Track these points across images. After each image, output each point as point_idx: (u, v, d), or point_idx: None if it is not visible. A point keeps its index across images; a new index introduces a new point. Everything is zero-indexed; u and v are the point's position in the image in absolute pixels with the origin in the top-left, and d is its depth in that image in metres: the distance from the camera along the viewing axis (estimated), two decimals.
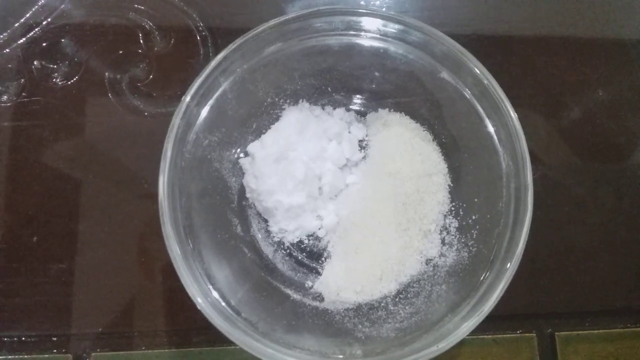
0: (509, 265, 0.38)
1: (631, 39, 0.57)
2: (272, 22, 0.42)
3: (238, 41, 0.42)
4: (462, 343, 0.47)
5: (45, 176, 0.50)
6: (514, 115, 0.40)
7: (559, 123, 0.54)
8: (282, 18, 0.42)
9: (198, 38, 0.53)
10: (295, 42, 0.44)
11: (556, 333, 0.49)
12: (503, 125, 0.41)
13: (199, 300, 0.38)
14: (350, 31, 0.44)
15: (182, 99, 0.40)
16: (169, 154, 0.39)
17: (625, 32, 0.58)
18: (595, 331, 0.49)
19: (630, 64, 0.57)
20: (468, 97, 0.43)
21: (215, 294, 0.40)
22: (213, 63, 0.41)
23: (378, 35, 0.44)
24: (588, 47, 0.57)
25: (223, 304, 0.39)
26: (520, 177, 0.39)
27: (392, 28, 0.43)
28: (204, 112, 0.42)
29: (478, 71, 0.41)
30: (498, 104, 0.41)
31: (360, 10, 0.43)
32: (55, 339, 0.47)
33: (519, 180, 0.40)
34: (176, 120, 0.40)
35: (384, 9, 0.54)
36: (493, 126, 0.42)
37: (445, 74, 0.43)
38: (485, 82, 0.41)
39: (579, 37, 0.57)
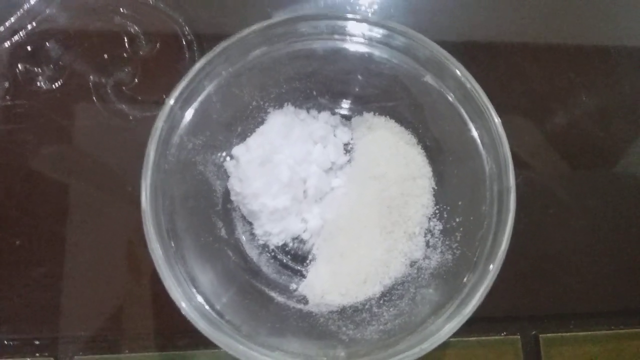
0: (491, 267, 0.38)
1: (615, 45, 0.58)
2: (256, 26, 0.42)
3: (222, 44, 0.42)
4: (447, 345, 0.48)
5: (29, 179, 0.49)
6: (496, 118, 0.40)
7: (544, 128, 0.55)
8: (267, 22, 0.42)
9: (184, 42, 0.53)
10: (280, 46, 0.44)
11: (540, 335, 0.49)
12: (486, 129, 0.41)
13: (183, 304, 0.37)
14: (335, 35, 0.44)
15: (166, 101, 0.40)
16: (151, 157, 0.39)
17: (610, 39, 0.58)
18: (580, 333, 0.49)
19: (615, 70, 0.57)
20: (452, 100, 0.43)
21: (199, 298, 0.39)
22: (197, 66, 0.41)
23: (363, 40, 0.44)
24: (573, 54, 0.57)
25: (207, 307, 0.39)
26: (503, 179, 0.40)
27: (377, 33, 0.43)
28: (188, 115, 0.42)
29: (461, 75, 0.41)
30: (481, 108, 0.41)
31: (345, 15, 0.43)
32: (37, 342, 0.46)
33: (502, 183, 0.40)
34: (159, 123, 0.40)
35: (369, 14, 0.55)
36: (476, 130, 0.42)
37: (429, 78, 0.43)
38: (469, 86, 0.41)
39: (564, 44, 0.57)
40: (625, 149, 0.55)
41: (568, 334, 0.49)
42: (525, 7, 0.58)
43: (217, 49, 0.42)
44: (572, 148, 0.54)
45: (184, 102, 0.42)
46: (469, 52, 0.56)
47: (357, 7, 0.55)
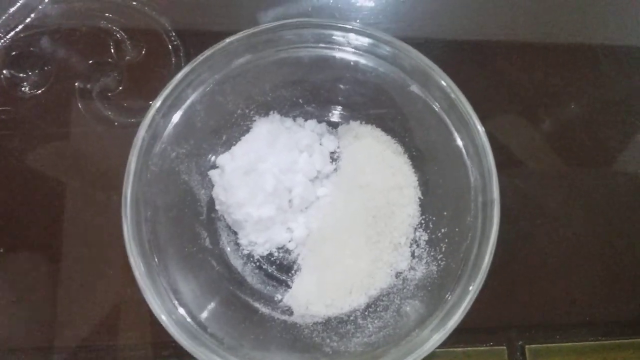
0: (475, 280, 0.38)
1: (600, 44, 0.57)
2: (240, 35, 0.42)
3: (206, 53, 0.41)
4: (433, 356, 0.47)
5: (14, 186, 0.49)
6: (481, 129, 0.40)
7: (531, 135, 0.54)
8: (251, 30, 0.42)
9: (170, 47, 0.53)
10: (265, 54, 0.44)
11: (527, 346, 0.48)
12: (471, 139, 0.41)
13: (163, 317, 0.37)
14: (320, 44, 0.44)
15: (148, 110, 0.40)
16: (132, 166, 0.39)
17: (596, 39, 0.58)
18: (566, 344, 0.49)
19: (601, 73, 0.57)
20: (437, 110, 0.43)
21: (180, 310, 0.39)
22: (180, 75, 0.41)
23: (349, 48, 0.44)
24: (561, 58, 0.57)
25: (189, 319, 0.39)
26: (487, 191, 0.39)
27: (362, 41, 0.43)
28: (172, 123, 0.42)
29: (445, 85, 0.41)
30: (466, 118, 0.41)
31: (330, 24, 0.42)
32: (23, 353, 0.46)
33: (486, 194, 0.40)
34: (141, 132, 0.39)
35: (356, 20, 0.54)
36: (461, 140, 0.42)
37: (415, 88, 0.43)
38: (453, 96, 0.41)
39: (553, 45, 0.57)
40: (612, 157, 0.55)
41: (554, 344, 0.49)
42: (513, 9, 0.57)
43: (200, 57, 0.41)
44: (559, 156, 0.54)
45: (167, 111, 0.41)
46: (457, 56, 0.55)
47: (345, 14, 0.55)
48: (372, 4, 0.56)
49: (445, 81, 0.41)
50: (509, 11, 0.58)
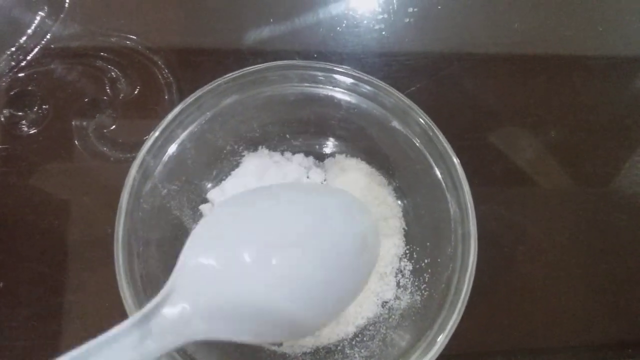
0: (455, 309, 0.39)
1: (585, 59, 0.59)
2: (228, 76, 0.43)
3: (195, 95, 0.43)
4: None
5: (11, 222, 0.51)
6: (457, 163, 0.41)
7: (511, 160, 0.56)
8: (238, 72, 0.43)
9: (163, 84, 0.55)
10: (251, 93, 0.45)
11: None
12: (449, 173, 0.42)
13: None
14: (304, 83, 0.45)
15: (139, 151, 0.42)
16: (124, 206, 0.40)
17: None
18: None
19: (579, 103, 0.58)
20: (418, 145, 0.44)
21: None
22: (170, 116, 0.42)
23: (332, 87, 0.46)
24: (541, 78, 0.58)
25: (179, 354, 0.40)
26: (465, 224, 0.41)
27: (344, 80, 0.45)
28: (162, 163, 0.43)
29: (423, 121, 0.43)
30: (442, 153, 0.42)
31: (313, 65, 0.44)
32: None
33: (464, 227, 0.41)
34: (132, 173, 0.41)
35: (343, 56, 0.56)
36: (441, 174, 0.43)
37: (395, 123, 0.45)
38: (431, 134, 0.42)
39: (535, 65, 0.59)
40: (594, 182, 0.56)
41: None
42: (497, 24, 0.60)
43: (190, 99, 0.43)
44: (540, 183, 0.55)
45: (157, 152, 0.43)
46: (436, 87, 0.57)
47: (331, 49, 0.57)
48: (356, 39, 0.58)
49: (422, 118, 0.43)
50: (494, 26, 0.59)
